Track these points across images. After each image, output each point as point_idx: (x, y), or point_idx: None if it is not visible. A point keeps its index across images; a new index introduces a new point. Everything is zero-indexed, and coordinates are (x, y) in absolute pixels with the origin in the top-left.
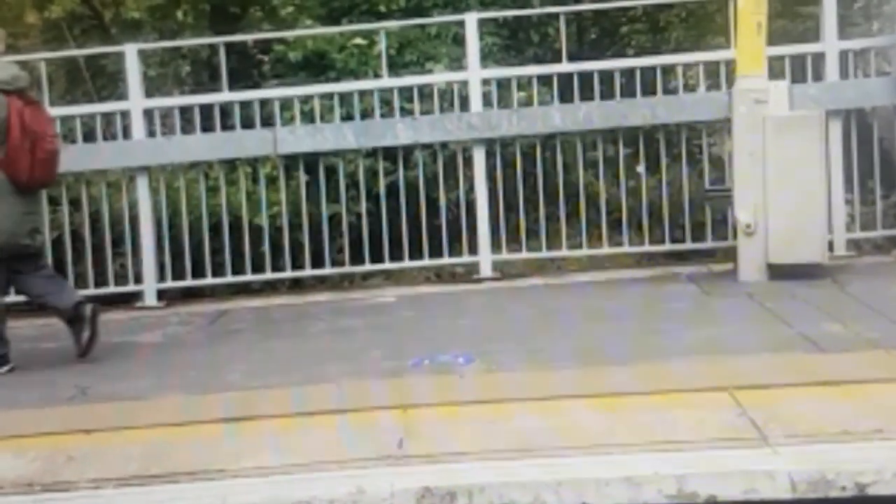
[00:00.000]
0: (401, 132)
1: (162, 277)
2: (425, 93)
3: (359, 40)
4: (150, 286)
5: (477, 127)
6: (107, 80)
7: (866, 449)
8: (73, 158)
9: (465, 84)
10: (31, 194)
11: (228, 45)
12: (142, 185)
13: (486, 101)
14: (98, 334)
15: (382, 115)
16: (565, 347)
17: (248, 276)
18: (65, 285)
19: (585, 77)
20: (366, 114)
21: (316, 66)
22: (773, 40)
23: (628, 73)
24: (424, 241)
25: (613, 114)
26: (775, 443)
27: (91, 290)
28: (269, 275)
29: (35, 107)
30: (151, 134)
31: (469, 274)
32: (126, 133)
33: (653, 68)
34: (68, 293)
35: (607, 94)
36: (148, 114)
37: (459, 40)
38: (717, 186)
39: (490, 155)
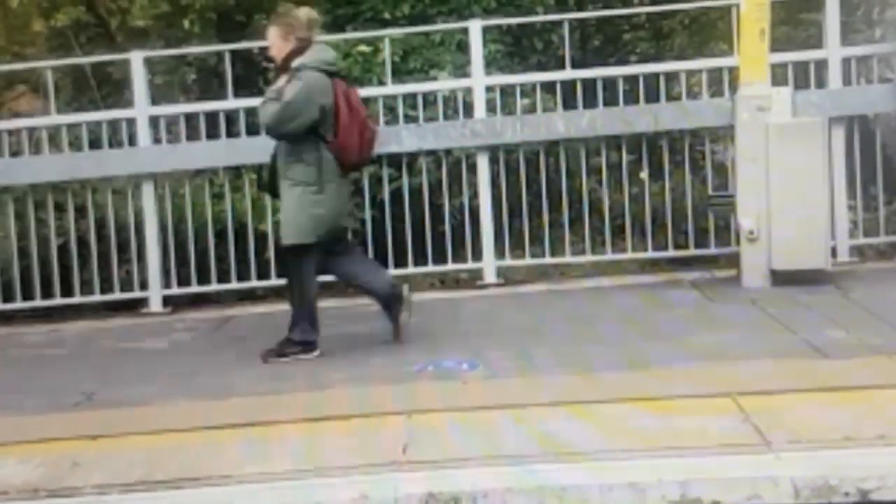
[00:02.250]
0: (405, 139)
1: (167, 284)
2: (429, 100)
3: (363, 47)
4: (155, 292)
5: (481, 134)
6: (113, 88)
7: (870, 455)
8: (79, 165)
9: (468, 91)
10: (348, 176)
11: (234, 53)
12: (147, 192)
13: (490, 108)
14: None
15: (387, 122)
16: (569, 353)
17: (254, 283)
18: (379, 267)
19: (589, 84)
20: None
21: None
22: (776, 47)
23: (631, 80)
24: (428, 247)
25: (617, 120)
26: (779, 448)
27: (97, 297)
28: (273, 281)
29: (353, 89)
30: (157, 141)
31: (473, 280)
32: (132, 140)
33: (656, 75)
34: (383, 275)
35: (611, 101)
36: (154, 121)
37: (463, 47)
38: (720, 193)
39: (494, 162)
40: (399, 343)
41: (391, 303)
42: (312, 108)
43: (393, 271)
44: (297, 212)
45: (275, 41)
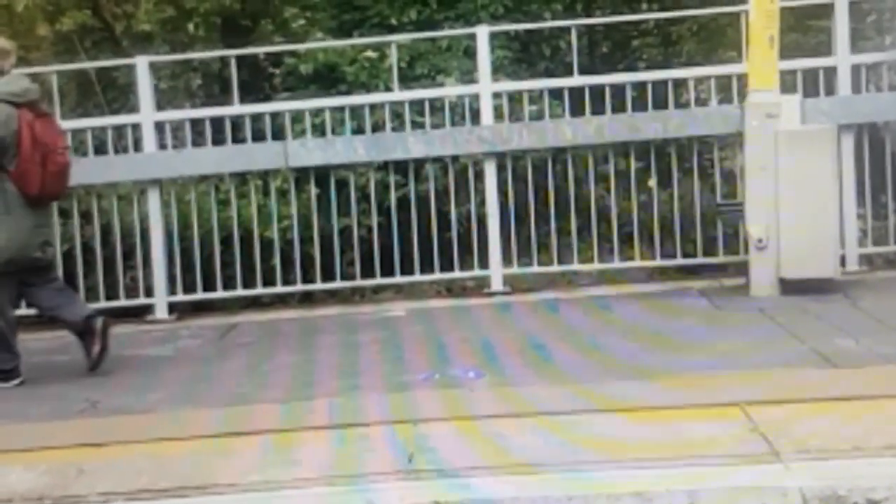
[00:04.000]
0: (412, 145)
1: (173, 290)
2: (436, 106)
3: (370, 53)
4: (160, 299)
5: (488, 140)
6: (118, 93)
7: (878, 465)
8: (85, 171)
9: (476, 97)
10: (41, 207)
11: (239, 58)
12: (153, 198)
13: (498, 115)
14: (109, 347)
15: (393, 129)
16: (576, 362)
17: (259, 290)
18: (75, 298)
19: (597, 91)
20: (377, 127)
21: (327, 79)
22: (785, 54)
23: (640, 87)
24: (435, 254)
25: (625, 127)
26: (787, 459)
27: (102, 303)
28: (279, 288)
29: (46, 119)
30: (162, 147)
31: (480, 288)
32: (137, 146)
33: (664, 82)
34: (79, 306)
35: (619, 108)
36: (159, 126)
37: (471, 53)
38: (728, 201)
39: (501, 168)
40: (94, 374)
41: (84, 335)
42: None
43: (399, 279)
44: None
45: None
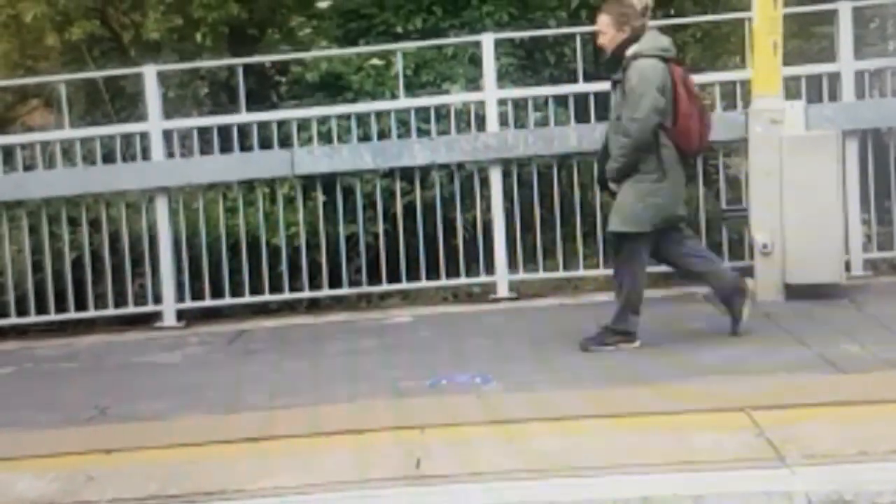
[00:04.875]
0: (418, 153)
1: (181, 298)
2: (442, 113)
3: (375, 61)
4: (169, 306)
5: (493, 147)
6: (126, 102)
7: (885, 470)
8: (93, 179)
9: (481, 104)
10: (686, 163)
11: (246, 67)
12: (161, 206)
13: (503, 122)
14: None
15: (399, 136)
16: (582, 367)
17: (267, 297)
18: (715, 256)
19: (601, 97)
20: (383, 134)
21: (333, 87)
22: (788, 60)
23: None
24: (441, 261)
25: None
26: (793, 463)
27: (111, 311)
28: (286, 295)
29: (689, 76)
30: (170, 155)
31: (486, 294)
32: (145, 154)
33: None
34: (721, 265)
35: None
36: (167, 135)
37: (476, 61)
38: (733, 207)
39: (507, 175)
40: (735, 336)
41: (731, 295)
42: (659, 95)
43: (405, 285)
44: (634, 200)
45: (607, 30)
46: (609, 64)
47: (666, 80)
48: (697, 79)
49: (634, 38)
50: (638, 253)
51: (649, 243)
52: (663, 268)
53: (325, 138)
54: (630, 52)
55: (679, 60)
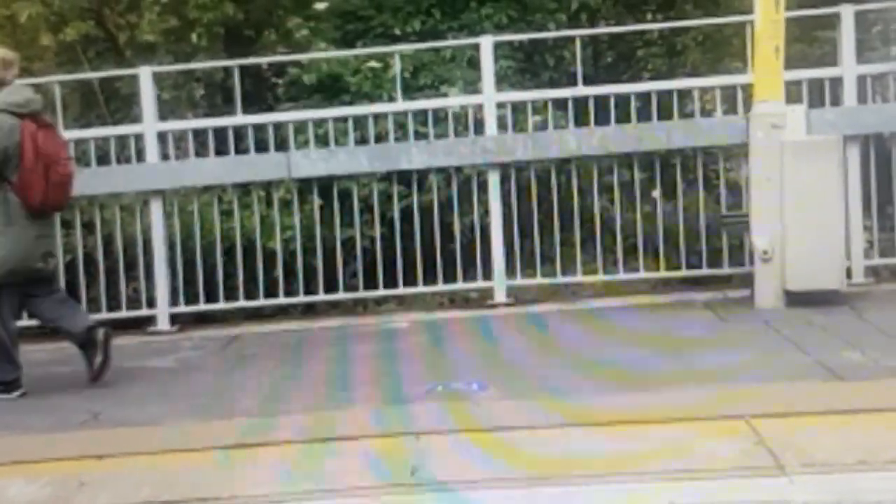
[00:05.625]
0: (415, 156)
1: (175, 302)
2: (440, 116)
3: (373, 63)
4: (162, 311)
5: (492, 151)
6: (121, 103)
7: (885, 479)
8: (87, 182)
9: (479, 108)
10: (44, 218)
11: (242, 68)
12: (155, 209)
13: (501, 125)
14: (111, 359)
15: (397, 139)
16: (580, 374)
17: (261, 301)
18: (77, 309)
19: (601, 101)
20: (380, 137)
21: (330, 89)
22: (790, 64)
23: (644, 97)
24: (438, 266)
25: (629, 138)
26: (792, 472)
27: (104, 315)
28: (281, 299)
29: (49, 130)
30: (165, 157)
31: (483, 299)
32: (140, 156)
33: (669, 92)
34: (81, 317)
35: (623, 119)
36: (162, 137)
37: (474, 64)
38: (733, 212)
39: (505, 179)
40: (96, 385)
41: (86, 346)
42: None
43: (402, 290)
44: None
45: None
46: None
47: (12, 134)
48: (698, 83)
49: None
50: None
51: (8, 295)
52: None
53: (322, 141)
54: None
55: (39, 116)
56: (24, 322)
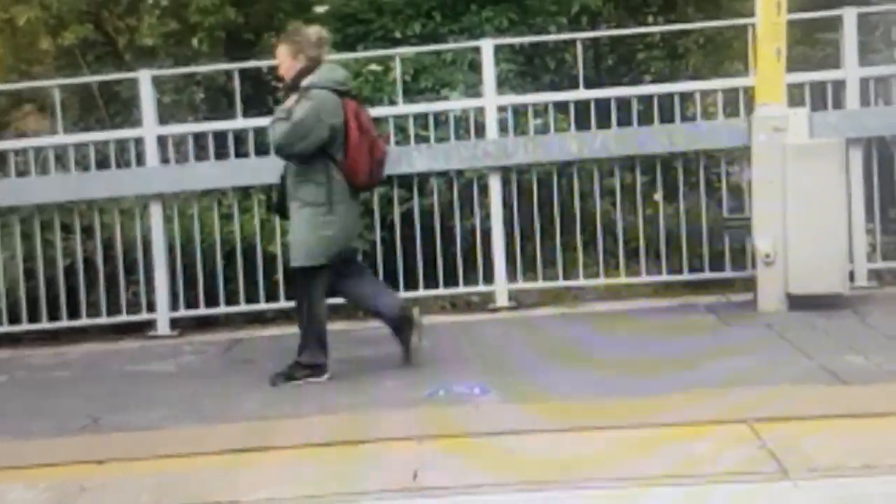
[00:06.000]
0: (416, 159)
1: (175, 306)
2: (441, 120)
3: (374, 66)
4: (162, 315)
5: (493, 154)
6: (120, 107)
7: (889, 483)
8: (87, 186)
9: (480, 111)
10: (358, 196)
11: (243, 72)
12: (155, 213)
13: (502, 129)
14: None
15: (397, 142)
16: (582, 378)
17: (262, 305)
18: (389, 290)
19: (602, 104)
20: None
21: None
22: (792, 67)
23: (646, 101)
24: (439, 269)
25: (631, 141)
26: (796, 476)
27: (104, 319)
28: (282, 303)
29: (364, 109)
30: (165, 161)
31: (484, 303)
32: (140, 160)
33: (670, 95)
34: (393, 297)
35: (624, 122)
36: (162, 141)
37: (475, 67)
38: (735, 215)
39: (506, 183)
40: (409, 367)
41: (401, 326)
42: (322, 127)
43: (403, 293)
44: (306, 233)
45: (284, 60)
46: (288, 94)
47: (338, 112)
48: (700, 86)
49: (310, 69)
50: (313, 287)
51: (325, 276)
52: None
53: None
54: (305, 82)
55: (354, 94)
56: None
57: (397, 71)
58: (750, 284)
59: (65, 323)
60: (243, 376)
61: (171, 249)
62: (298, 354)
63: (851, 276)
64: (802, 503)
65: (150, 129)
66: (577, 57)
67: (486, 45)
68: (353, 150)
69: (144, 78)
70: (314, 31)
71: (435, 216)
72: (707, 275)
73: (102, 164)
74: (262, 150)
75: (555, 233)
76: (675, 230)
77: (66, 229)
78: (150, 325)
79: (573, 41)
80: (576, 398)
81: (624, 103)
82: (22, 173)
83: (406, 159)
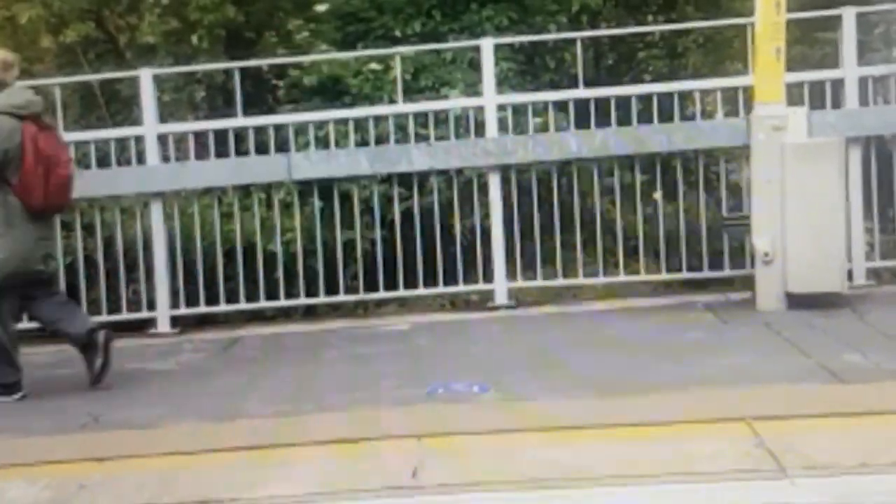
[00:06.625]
0: (416, 158)
1: (175, 304)
2: (440, 118)
3: (374, 65)
4: (163, 313)
5: (492, 153)
6: (121, 105)
7: (886, 481)
8: (88, 184)
9: (480, 110)
10: (44, 220)
11: (243, 70)
12: (156, 211)
13: (502, 127)
14: (111, 361)
15: (397, 141)
16: (581, 377)
17: (262, 303)
18: (78, 311)
19: (602, 103)
20: (381, 139)
21: (331, 91)
22: (791, 66)
23: (645, 99)
24: (439, 268)
25: (630, 140)
26: (793, 474)
27: (104, 317)
28: (282, 302)
29: (49, 132)
30: (166, 159)
31: (484, 302)
32: (140, 158)
33: (670, 94)
34: (81, 320)
35: (624, 121)
36: (162, 139)
37: (475, 65)
38: (734, 214)
39: (505, 181)
40: (96, 388)
41: (86, 348)
42: None
43: (402, 292)
44: None
45: None
46: None
47: (14, 136)
48: (699, 85)
49: None
50: None
51: (9, 297)
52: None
53: (323, 143)
54: None
55: (40, 118)
56: (25, 325)
57: (397, 69)
58: (749, 283)
59: None
60: (243, 374)
61: (171, 247)
62: None
63: (850, 275)
64: (799, 501)
65: (150, 127)
66: (576, 56)
67: (486, 44)
68: (26, 174)
69: (145, 76)
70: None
71: (434, 215)
72: (706, 273)
73: (103, 162)
74: (262, 149)
75: (554, 231)
76: (675, 229)
77: (67, 227)
78: (151, 322)
79: (573, 40)
80: (575, 396)
81: (623, 102)
82: None
83: (406, 158)
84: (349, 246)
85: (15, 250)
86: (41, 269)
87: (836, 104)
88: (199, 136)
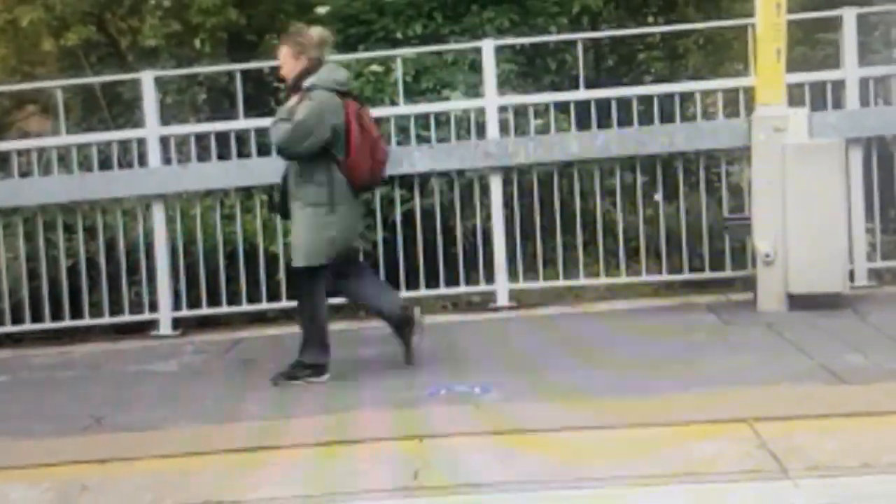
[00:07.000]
0: (417, 160)
1: (177, 306)
2: (442, 120)
3: (375, 67)
4: (165, 315)
5: (494, 154)
6: (123, 108)
7: (888, 482)
8: (89, 186)
9: (481, 111)
10: (359, 196)
11: (245, 73)
12: (157, 213)
13: (503, 129)
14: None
15: (399, 143)
16: (582, 378)
17: (264, 305)
18: (388, 288)
19: (603, 104)
20: None
21: None
22: (792, 67)
23: (646, 101)
24: (440, 269)
25: (631, 141)
26: (795, 476)
27: (106, 319)
28: (284, 303)
29: (366, 109)
30: (167, 161)
31: (485, 303)
32: (142, 161)
33: (671, 95)
34: (394, 296)
35: (625, 122)
36: (164, 141)
37: (476, 67)
38: (735, 215)
39: (507, 183)
40: (410, 366)
41: (402, 325)
42: (324, 128)
43: (404, 293)
44: (308, 233)
45: (286, 61)
46: (290, 95)
47: (339, 112)
48: (700, 86)
49: (311, 69)
50: (315, 287)
51: (326, 276)
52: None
53: None
54: (307, 83)
55: (355, 95)
56: (25, 326)
57: (399, 71)
58: (750, 284)
59: (67, 323)
60: (245, 376)
61: (173, 249)
62: (300, 354)
63: (851, 276)
64: (801, 501)
65: (152, 129)
66: (577, 57)
67: (487, 46)
68: (355, 150)
69: (147, 79)
70: (316, 32)
71: (436, 216)
72: (707, 274)
73: (105, 164)
74: (263, 151)
75: (555, 232)
76: (676, 230)
77: (69, 229)
78: (153, 324)
79: (574, 42)
80: (576, 397)
81: (624, 103)
82: (25, 174)
83: (407, 160)
84: None
85: (344, 228)
86: (358, 247)
87: (837, 105)
88: (201, 139)
